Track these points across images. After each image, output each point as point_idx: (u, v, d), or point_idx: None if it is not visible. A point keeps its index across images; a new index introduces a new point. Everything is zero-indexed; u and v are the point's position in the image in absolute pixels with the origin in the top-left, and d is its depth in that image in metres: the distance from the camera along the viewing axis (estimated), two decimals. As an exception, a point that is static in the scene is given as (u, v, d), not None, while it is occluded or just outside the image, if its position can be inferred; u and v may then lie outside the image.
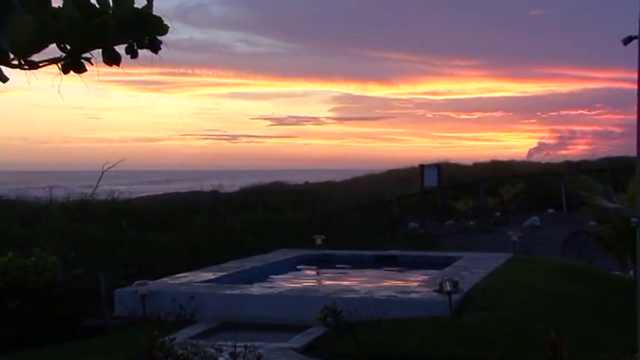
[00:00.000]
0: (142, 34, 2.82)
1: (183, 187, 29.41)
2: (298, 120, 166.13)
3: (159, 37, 2.87)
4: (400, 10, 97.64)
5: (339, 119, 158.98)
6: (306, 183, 34.14)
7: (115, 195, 19.45)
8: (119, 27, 2.65)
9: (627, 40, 5.98)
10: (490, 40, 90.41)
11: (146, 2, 2.92)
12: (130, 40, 2.81)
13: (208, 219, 17.88)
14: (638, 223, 5.90)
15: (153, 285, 10.03)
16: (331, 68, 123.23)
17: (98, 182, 13.24)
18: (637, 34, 5.90)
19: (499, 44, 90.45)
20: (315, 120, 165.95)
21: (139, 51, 2.91)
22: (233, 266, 12.14)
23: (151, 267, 12.37)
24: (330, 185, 33.05)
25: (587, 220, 13.27)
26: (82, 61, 2.63)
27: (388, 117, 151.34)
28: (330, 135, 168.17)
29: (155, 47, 2.92)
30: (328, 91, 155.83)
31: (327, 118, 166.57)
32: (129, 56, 2.89)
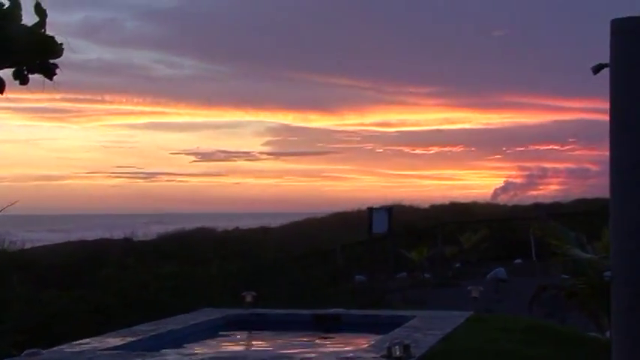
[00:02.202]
0: (32, 57, 2.75)
1: (89, 234, 29.01)
2: (228, 155, 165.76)
3: (53, 60, 2.80)
4: (346, 30, 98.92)
5: (276, 154, 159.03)
6: (237, 229, 34.11)
7: (5, 245, 19.06)
8: (2, 48, 2.57)
9: (597, 69, 6.11)
10: (449, 65, 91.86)
11: (38, 18, 2.84)
12: (18, 64, 2.74)
13: (118, 273, 17.65)
14: (613, 277, 5.97)
15: (48, 354, 9.78)
16: (266, 95, 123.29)
17: (-17, 230, 12.93)
18: (608, 61, 6.03)
19: (459, 69, 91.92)
20: (247, 155, 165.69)
21: (32, 74, 2.83)
22: (146, 330, 11.93)
23: (46, 332, 12.09)
24: (264, 231, 33.07)
25: (558, 273, 13.48)
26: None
27: (332, 152, 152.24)
28: (264, 172, 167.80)
29: (49, 72, 2.85)
30: (263, 122, 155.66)
31: (262, 152, 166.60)
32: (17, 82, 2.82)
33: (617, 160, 5.96)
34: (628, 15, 6.12)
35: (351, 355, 9.80)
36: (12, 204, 12.42)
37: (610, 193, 6.23)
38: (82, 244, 23.66)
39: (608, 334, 10.67)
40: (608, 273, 6.28)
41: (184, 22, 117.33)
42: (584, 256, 10.52)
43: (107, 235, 25.51)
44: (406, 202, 36.38)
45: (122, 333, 11.55)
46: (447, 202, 37.38)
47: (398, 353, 8.64)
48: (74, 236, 28.07)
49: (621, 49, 5.93)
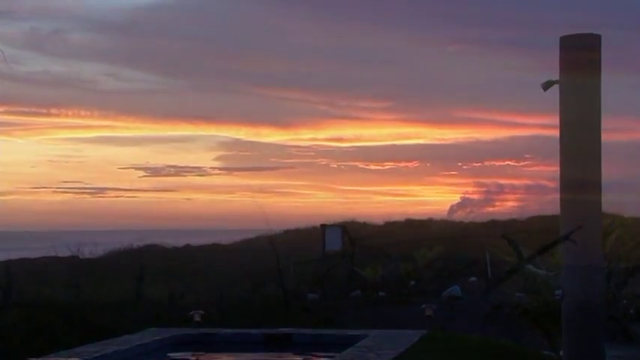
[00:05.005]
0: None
1: (33, 252, 28.60)
2: (178, 170, 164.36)
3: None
4: (299, 43, 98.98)
5: (228, 169, 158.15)
6: (187, 246, 33.90)
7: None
8: None
9: (547, 85, 6.19)
10: (403, 80, 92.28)
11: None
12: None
13: (63, 292, 17.43)
14: (563, 296, 6.03)
15: (-14, 376, 9.59)
16: (218, 109, 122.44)
17: None
18: (557, 78, 6.11)
19: (414, 84, 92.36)
20: (198, 170, 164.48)
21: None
22: (90, 351, 11.72)
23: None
24: (215, 248, 32.92)
25: (513, 291, 13.55)
26: None
27: (285, 167, 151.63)
28: (216, 188, 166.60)
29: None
30: (214, 136, 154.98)
31: (213, 168, 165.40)
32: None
33: (566, 177, 6.06)
34: (577, 32, 6.22)
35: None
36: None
37: (560, 211, 6.32)
38: (25, 262, 23.34)
39: (561, 352, 10.77)
40: (559, 292, 6.33)
41: (135, 35, 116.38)
42: (538, 275, 10.61)
43: (52, 253, 25.19)
44: (360, 219, 36.50)
45: (65, 354, 11.35)
46: (402, 218, 37.53)
47: (349, 374, 8.60)
48: (16, 254, 27.65)
49: (570, 65, 6.03)
